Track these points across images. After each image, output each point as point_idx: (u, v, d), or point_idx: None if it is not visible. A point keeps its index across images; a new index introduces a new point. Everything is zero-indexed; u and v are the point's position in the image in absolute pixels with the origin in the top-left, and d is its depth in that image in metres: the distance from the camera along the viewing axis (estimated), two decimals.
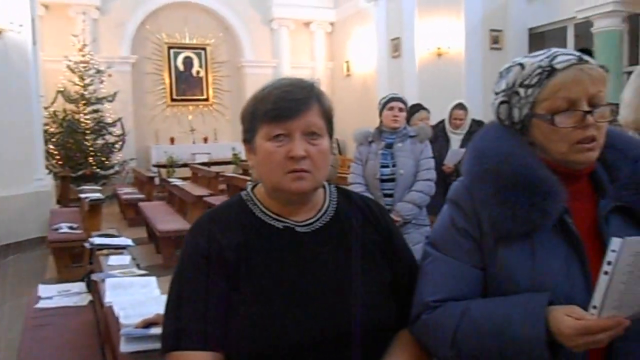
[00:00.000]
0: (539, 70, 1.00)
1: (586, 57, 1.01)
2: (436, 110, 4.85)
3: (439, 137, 4.24)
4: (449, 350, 0.98)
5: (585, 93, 0.97)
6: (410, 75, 8.70)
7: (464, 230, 1.03)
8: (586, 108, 0.97)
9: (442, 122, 4.44)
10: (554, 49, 1.04)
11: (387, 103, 3.34)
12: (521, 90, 1.02)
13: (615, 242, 0.80)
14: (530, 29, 8.91)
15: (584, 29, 7.90)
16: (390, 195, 3.27)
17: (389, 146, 3.32)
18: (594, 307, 0.84)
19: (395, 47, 9.10)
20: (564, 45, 8.62)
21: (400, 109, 3.32)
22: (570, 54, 1.01)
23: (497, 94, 1.08)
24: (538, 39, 9.04)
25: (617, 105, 1.49)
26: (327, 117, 1.07)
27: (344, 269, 1.04)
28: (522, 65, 1.04)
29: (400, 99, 3.37)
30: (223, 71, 12.23)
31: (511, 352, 0.92)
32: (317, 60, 12.47)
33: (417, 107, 4.47)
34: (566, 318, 0.87)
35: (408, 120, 4.34)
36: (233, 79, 12.25)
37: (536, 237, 0.98)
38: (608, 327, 0.84)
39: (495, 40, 8.54)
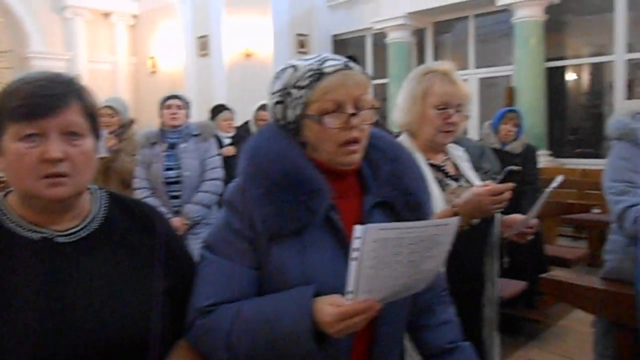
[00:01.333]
0: (309, 73, 1.06)
1: (352, 64, 1.11)
2: (246, 112, 4.91)
3: (243, 137, 4.30)
4: (225, 354, 0.99)
5: (350, 96, 1.06)
6: (219, 75, 8.69)
7: (238, 231, 1.05)
8: (351, 110, 1.06)
9: (247, 122, 4.51)
10: (324, 54, 1.12)
11: (164, 102, 3.30)
12: (294, 92, 1.08)
13: (358, 230, 0.87)
14: (334, 36, 9.60)
15: (381, 39, 8.79)
16: (178, 197, 3.22)
17: (173, 147, 3.25)
18: (350, 293, 0.91)
19: (203, 45, 9.00)
20: (364, 53, 9.49)
21: (179, 107, 3.28)
22: (338, 60, 1.09)
23: (272, 94, 1.13)
24: (341, 45, 9.79)
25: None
26: (91, 115, 1.00)
27: (113, 279, 0.98)
28: (295, 68, 1.10)
29: (177, 97, 3.34)
30: (4, 62, 10.74)
31: (282, 347, 0.96)
32: (118, 54, 11.69)
33: (221, 108, 4.47)
34: (327, 307, 0.94)
35: (212, 119, 4.32)
36: (18, 71, 10.81)
37: (306, 234, 1.04)
38: (361, 310, 0.91)
39: (302, 44, 9.00)
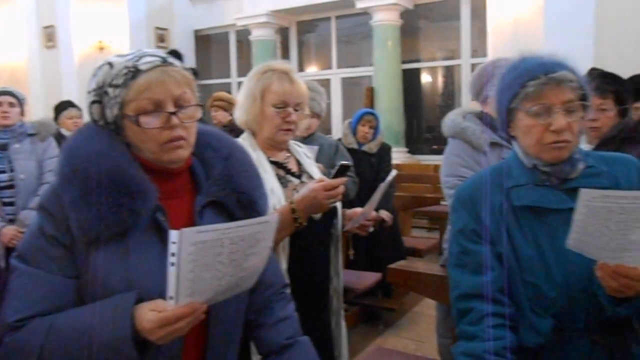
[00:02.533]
0: (125, 71, 1.03)
1: (172, 59, 1.09)
2: None
3: None
4: None
5: (169, 94, 1.04)
6: (68, 69, 8.06)
7: (54, 238, 1.00)
8: (171, 109, 1.04)
9: None
10: (143, 50, 1.09)
11: None
12: (110, 90, 1.04)
13: (173, 234, 0.87)
14: (196, 31, 9.39)
15: (245, 36, 8.77)
16: (11, 204, 2.96)
17: (4, 147, 3.00)
18: (171, 298, 0.90)
19: (49, 36, 8.29)
20: (228, 50, 9.40)
21: (11, 104, 3.04)
22: (156, 55, 1.06)
23: (89, 92, 1.08)
24: (204, 41, 9.61)
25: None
26: None
27: None
28: (111, 65, 1.05)
29: (8, 92, 3.08)
30: None
31: (102, 357, 0.92)
32: None
33: (65, 105, 4.15)
34: (149, 313, 0.92)
35: (56, 119, 4.01)
36: None
37: (130, 237, 1.01)
38: (183, 314, 0.91)
39: (161, 38, 8.68)
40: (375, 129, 3.90)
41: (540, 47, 5.13)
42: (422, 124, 8.45)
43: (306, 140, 2.71)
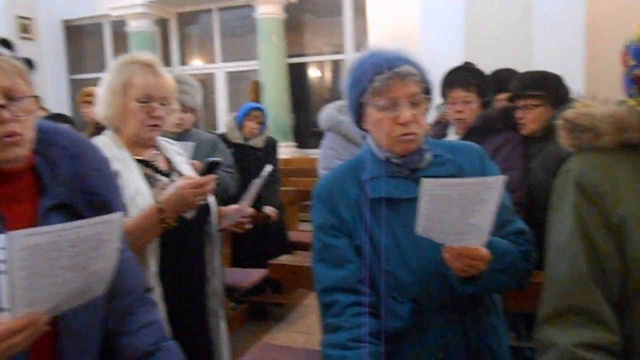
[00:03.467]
0: None
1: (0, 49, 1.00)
2: None
3: None
4: None
5: None
6: None
7: None
8: (1, 102, 0.96)
9: None
10: None
11: None
12: None
13: (1, 239, 0.80)
14: (66, 21, 8.75)
15: (121, 27, 8.31)
16: None
17: None
18: (6, 310, 0.83)
19: None
20: (102, 42, 8.86)
21: None
22: None
23: None
24: (75, 32, 8.98)
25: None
26: None
27: None
28: None
29: None
30: None
31: None
32: None
33: None
34: None
35: None
36: None
37: None
38: (21, 327, 0.84)
39: (25, 29, 7.98)
40: (263, 124, 3.88)
41: (417, 43, 5.45)
42: (310, 118, 8.57)
43: (181, 136, 2.63)
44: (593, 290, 1.11)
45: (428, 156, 1.37)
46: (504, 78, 2.66)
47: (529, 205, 2.10)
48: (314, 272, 1.39)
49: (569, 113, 1.24)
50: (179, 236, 1.59)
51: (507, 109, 2.31)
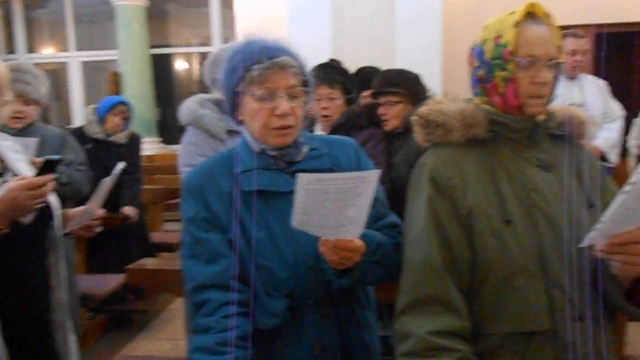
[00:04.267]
0: None
1: None
2: None
3: None
4: None
5: None
6: None
7: None
8: None
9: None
10: None
11: None
12: None
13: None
14: None
15: None
16: None
17: None
18: None
19: None
20: None
21: None
22: None
23: None
24: None
25: None
26: None
27: None
28: None
29: None
30: None
31: None
32: None
33: None
34: None
35: None
36: None
37: None
38: None
39: None
40: (128, 119, 3.65)
41: (285, 37, 5.46)
42: (177, 113, 8.24)
43: (23, 131, 2.36)
44: (446, 280, 1.17)
45: (305, 149, 1.36)
46: (368, 76, 2.75)
47: (392, 199, 2.18)
48: (184, 270, 1.32)
49: (422, 110, 1.30)
50: (13, 244, 1.42)
51: (370, 106, 2.39)
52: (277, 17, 5.81)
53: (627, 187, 0.98)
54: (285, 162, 1.34)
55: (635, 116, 3.48)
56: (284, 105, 1.27)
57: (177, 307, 3.91)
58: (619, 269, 1.11)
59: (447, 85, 4.83)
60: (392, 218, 1.43)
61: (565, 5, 6.29)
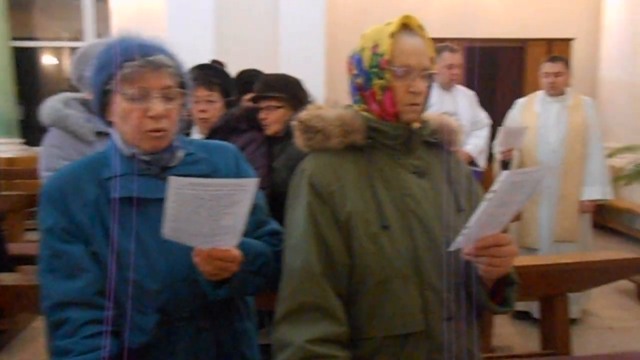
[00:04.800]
0: None
1: None
2: None
3: None
4: None
5: None
6: None
7: None
8: None
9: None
10: None
11: None
12: None
13: None
14: None
15: None
16: None
17: None
18: None
19: None
20: None
21: None
22: None
23: None
24: None
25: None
26: None
27: None
28: None
29: None
30: None
31: None
32: None
33: None
34: None
35: None
36: None
37: None
38: None
39: None
40: None
41: (164, 36, 5.25)
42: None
43: None
44: (324, 286, 1.17)
45: (180, 154, 1.30)
46: (249, 79, 2.72)
47: (272, 203, 2.17)
48: (41, 286, 1.19)
49: (302, 115, 1.30)
50: None
51: (250, 110, 2.36)
52: (156, 13, 5.58)
53: (489, 195, 1.05)
54: (158, 167, 1.27)
55: (500, 125, 3.79)
56: (157, 106, 1.20)
57: (39, 325, 3.59)
58: (484, 271, 1.19)
59: (330, 91, 4.94)
60: (273, 225, 1.42)
61: (438, 19, 6.76)
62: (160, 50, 1.23)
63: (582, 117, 3.68)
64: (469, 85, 4.10)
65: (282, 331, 1.19)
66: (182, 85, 1.28)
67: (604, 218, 6.09)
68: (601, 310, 4.08)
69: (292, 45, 5.08)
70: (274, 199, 2.21)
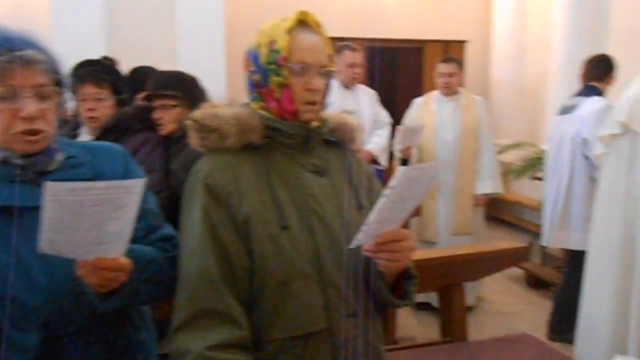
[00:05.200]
0: None
1: None
2: None
3: None
4: None
5: None
6: None
7: None
8: None
9: None
10: None
11: None
12: None
13: None
14: None
15: None
16: None
17: None
18: None
19: None
20: None
21: None
22: None
23: None
24: None
25: None
26: None
27: None
28: None
29: None
30: None
31: None
32: None
33: None
34: None
35: None
36: None
37: None
38: None
39: None
40: None
41: (48, 28, 4.90)
42: None
43: None
44: (223, 291, 1.14)
45: (59, 157, 1.21)
46: (143, 76, 2.61)
47: (171, 207, 2.09)
48: None
49: (196, 113, 1.26)
50: None
51: (143, 109, 2.26)
52: (39, 6, 5.20)
53: (386, 191, 1.07)
54: (34, 172, 1.18)
55: (399, 124, 3.92)
56: (29, 106, 1.11)
57: None
58: (383, 266, 1.21)
59: (231, 90, 4.85)
60: (167, 230, 1.36)
61: (339, 19, 6.88)
62: (30, 44, 1.14)
63: (475, 116, 3.90)
64: (370, 84, 4.21)
65: (179, 339, 1.14)
66: (58, 83, 1.19)
67: (496, 210, 6.50)
68: (494, 296, 4.35)
69: (189, 41, 4.93)
70: (172, 203, 2.13)
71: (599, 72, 3.48)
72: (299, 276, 1.18)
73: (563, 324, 3.50)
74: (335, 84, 3.79)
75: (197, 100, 2.19)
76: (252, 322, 1.18)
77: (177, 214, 2.00)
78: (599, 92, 3.46)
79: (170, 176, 2.16)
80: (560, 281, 3.64)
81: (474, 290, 3.97)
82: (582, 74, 3.56)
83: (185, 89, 2.22)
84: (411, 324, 3.82)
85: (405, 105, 4.24)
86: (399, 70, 7.58)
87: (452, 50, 6.83)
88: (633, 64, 4.23)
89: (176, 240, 1.30)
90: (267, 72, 1.24)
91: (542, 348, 2.38)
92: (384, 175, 4.05)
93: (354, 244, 1.16)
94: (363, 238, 1.14)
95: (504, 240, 4.19)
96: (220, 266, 1.15)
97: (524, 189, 6.15)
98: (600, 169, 2.30)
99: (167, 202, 2.14)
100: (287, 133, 1.25)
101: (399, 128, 3.75)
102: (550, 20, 5.86)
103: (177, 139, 2.19)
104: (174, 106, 2.19)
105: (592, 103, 3.40)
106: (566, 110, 3.54)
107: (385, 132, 4.00)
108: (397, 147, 3.82)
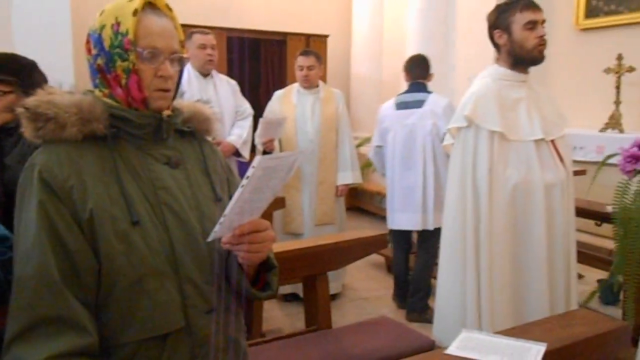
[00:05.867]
0: None
1: None
2: None
3: None
4: None
5: None
6: None
7: None
8: None
9: None
10: None
11: None
12: None
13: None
14: None
15: None
16: None
17: None
18: None
19: None
20: None
21: None
22: None
23: None
24: None
25: None
26: None
27: None
28: None
29: None
30: None
31: None
32: None
33: None
34: None
35: None
36: None
37: None
38: None
39: None
40: None
41: None
42: None
43: None
44: (65, 295, 1.05)
45: None
46: None
47: (5, 206, 1.89)
48: None
49: (30, 101, 1.15)
50: None
51: None
52: None
53: (244, 181, 1.06)
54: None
55: (262, 116, 3.91)
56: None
57: None
58: (243, 258, 1.19)
59: (83, 79, 4.48)
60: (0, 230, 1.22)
61: (198, 6, 6.70)
62: None
63: (334, 108, 4.02)
64: (232, 75, 4.13)
65: (16, 352, 1.03)
66: None
67: (356, 200, 6.78)
68: (357, 283, 4.54)
69: (28, 22, 4.45)
70: (8, 202, 1.93)
71: (421, 70, 3.83)
72: (152, 274, 1.13)
73: (419, 304, 3.75)
74: (193, 73, 3.68)
75: (35, 87, 2.00)
76: (101, 326, 1.10)
77: (12, 214, 1.82)
78: (426, 88, 3.80)
79: (5, 171, 1.95)
80: (415, 264, 3.89)
81: (338, 279, 4.10)
82: (407, 73, 3.88)
83: (22, 73, 2.00)
84: (278, 316, 3.86)
85: (268, 97, 4.25)
86: (262, 62, 7.57)
87: (314, 44, 6.98)
88: (474, 61, 4.63)
89: (10, 242, 1.18)
90: (112, 56, 1.16)
91: (399, 329, 2.52)
92: (247, 168, 4.01)
93: (211, 237, 1.13)
94: (221, 230, 1.11)
95: (365, 229, 4.39)
96: (61, 267, 1.06)
97: (383, 180, 6.49)
98: (450, 159, 2.47)
99: (1, 200, 1.94)
100: (135, 123, 1.18)
101: (261, 120, 3.74)
102: (404, 23, 6.31)
103: (11, 130, 1.98)
104: (8, 92, 1.97)
105: (439, 99, 3.70)
106: (408, 105, 3.77)
107: (247, 123, 3.97)
108: (259, 140, 3.81)
